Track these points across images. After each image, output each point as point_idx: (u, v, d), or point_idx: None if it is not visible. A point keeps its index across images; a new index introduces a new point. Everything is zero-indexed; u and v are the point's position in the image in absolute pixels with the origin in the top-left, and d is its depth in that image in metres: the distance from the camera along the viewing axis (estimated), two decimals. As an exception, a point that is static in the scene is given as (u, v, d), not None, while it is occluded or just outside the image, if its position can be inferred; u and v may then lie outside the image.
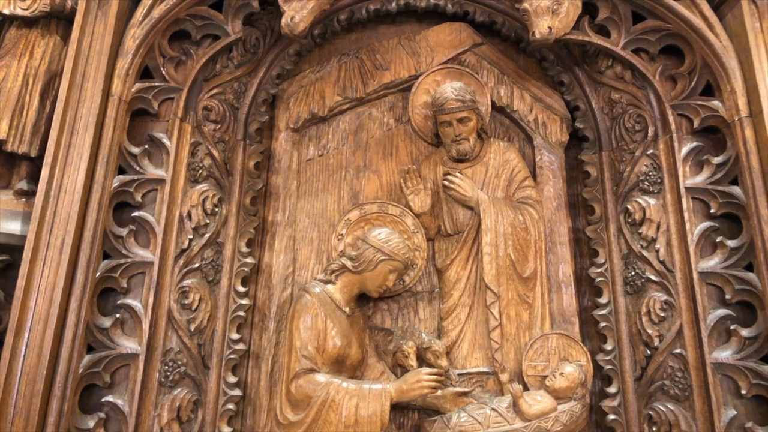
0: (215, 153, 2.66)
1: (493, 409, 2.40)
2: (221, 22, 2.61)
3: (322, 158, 2.94)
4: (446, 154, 2.81)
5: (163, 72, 2.58)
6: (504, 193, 2.77)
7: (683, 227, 2.49)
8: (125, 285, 2.38)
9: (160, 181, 2.49)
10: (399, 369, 2.56)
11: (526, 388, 2.48)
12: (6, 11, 2.52)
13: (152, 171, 2.50)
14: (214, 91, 2.71)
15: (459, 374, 2.55)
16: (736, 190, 2.44)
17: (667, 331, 2.46)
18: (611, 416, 2.52)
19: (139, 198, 2.46)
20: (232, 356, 2.54)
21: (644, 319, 2.51)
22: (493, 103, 2.86)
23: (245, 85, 2.84)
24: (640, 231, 2.60)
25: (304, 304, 2.44)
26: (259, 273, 2.77)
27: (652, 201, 2.60)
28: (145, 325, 2.33)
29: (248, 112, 2.84)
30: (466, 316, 2.64)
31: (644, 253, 2.57)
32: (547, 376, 2.48)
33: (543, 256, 2.69)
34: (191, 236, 2.51)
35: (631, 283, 2.60)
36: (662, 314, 2.48)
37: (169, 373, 2.36)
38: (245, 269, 2.66)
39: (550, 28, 2.51)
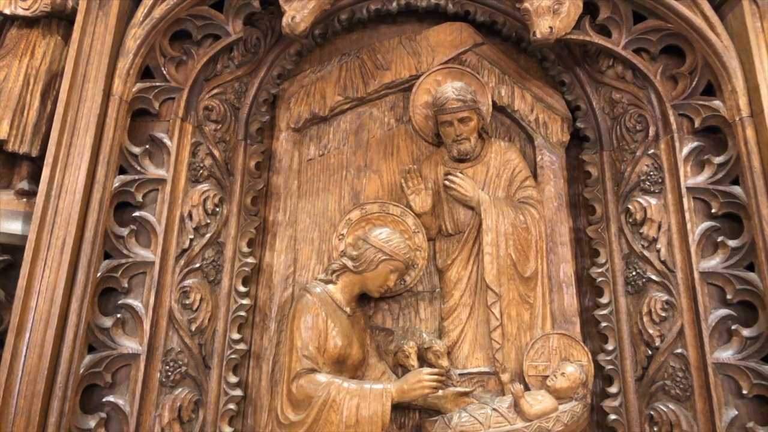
0: (216, 153, 2.66)
1: (494, 409, 2.40)
2: (222, 22, 2.61)
3: (323, 158, 2.94)
4: (447, 153, 2.81)
5: (164, 72, 2.58)
6: (505, 192, 2.77)
7: (684, 227, 2.49)
8: (126, 285, 2.38)
9: (161, 181, 2.49)
10: (400, 369, 2.56)
11: (527, 388, 2.48)
12: (7, 11, 2.52)
13: (153, 171, 2.50)
14: (215, 91, 2.71)
15: (460, 374, 2.55)
16: (737, 189, 2.44)
17: (668, 331, 2.46)
18: (612, 416, 2.52)
19: (140, 198, 2.46)
20: (233, 356, 2.54)
21: (645, 319, 2.51)
22: (494, 102, 2.85)
23: (246, 85, 2.84)
24: (641, 231, 2.60)
25: (305, 304, 2.44)
26: (260, 273, 2.77)
27: (653, 201, 2.60)
28: (146, 325, 2.33)
29: (249, 112, 2.84)
30: (467, 316, 2.64)
31: (645, 253, 2.57)
32: (548, 376, 2.47)
33: (544, 256, 2.69)
34: (192, 236, 2.51)
35: (632, 283, 2.60)
36: (663, 314, 2.48)
37: (170, 373, 2.36)
38: (246, 269, 2.66)
39: (551, 27, 2.51)
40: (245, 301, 2.62)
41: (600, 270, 2.69)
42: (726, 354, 2.34)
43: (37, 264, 2.19)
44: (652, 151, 2.65)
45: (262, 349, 2.63)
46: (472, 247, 2.69)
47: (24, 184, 2.46)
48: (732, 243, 2.42)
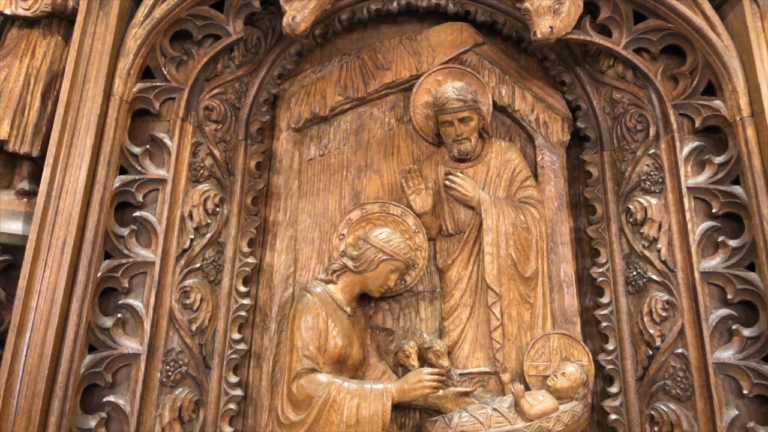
0: (216, 153, 2.66)
1: (494, 409, 2.40)
2: (222, 22, 2.61)
3: (323, 158, 2.94)
4: (447, 153, 2.81)
5: (165, 72, 2.58)
6: (505, 192, 2.77)
7: (685, 227, 2.49)
8: (127, 285, 2.38)
9: (162, 181, 2.49)
10: (400, 369, 2.56)
11: (527, 388, 2.47)
12: (7, 11, 2.52)
13: (153, 171, 2.50)
14: (216, 91, 2.71)
15: (460, 374, 2.55)
16: (737, 189, 2.44)
17: (669, 331, 2.46)
18: (613, 416, 2.52)
19: (140, 198, 2.46)
20: (233, 356, 2.54)
21: (646, 318, 2.51)
22: (494, 102, 2.85)
23: (246, 85, 2.84)
24: (641, 231, 2.60)
25: (305, 303, 2.44)
26: (261, 273, 2.77)
27: (653, 201, 2.59)
28: (147, 325, 2.33)
29: (249, 112, 2.84)
30: (467, 316, 2.64)
31: (646, 252, 2.57)
32: (548, 376, 2.47)
33: (544, 256, 2.69)
34: (192, 236, 2.51)
35: (633, 282, 2.60)
36: (664, 314, 2.48)
37: (170, 373, 2.36)
38: (246, 269, 2.66)
39: (551, 27, 2.51)
40: (246, 301, 2.62)
41: (600, 270, 2.69)
42: (727, 354, 2.34)
43: (37, 264, 2.19)
44: (652, 150, 2.65)
45: (263, 349, 2.63)
46: (473, 247, 2.69)
47: (24, 185, 2.46)
48: (732, 243, 2.42)
